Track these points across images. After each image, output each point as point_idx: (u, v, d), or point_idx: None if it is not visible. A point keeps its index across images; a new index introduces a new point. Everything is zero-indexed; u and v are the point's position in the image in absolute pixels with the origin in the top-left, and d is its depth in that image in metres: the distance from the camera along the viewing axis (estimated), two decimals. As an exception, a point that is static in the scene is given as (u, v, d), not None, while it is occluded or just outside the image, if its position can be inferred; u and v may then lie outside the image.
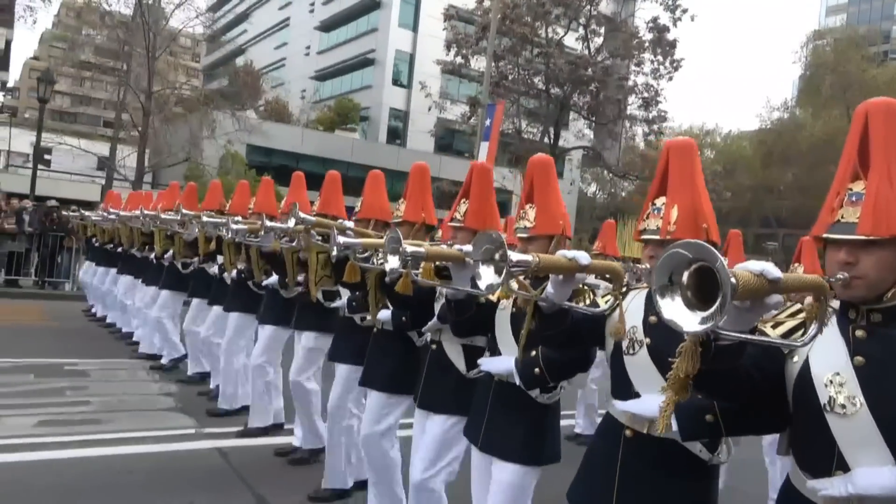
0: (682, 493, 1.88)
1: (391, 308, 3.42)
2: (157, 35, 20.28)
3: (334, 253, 3.15)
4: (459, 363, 3.07)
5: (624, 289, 2.00)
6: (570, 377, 2.46)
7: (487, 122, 19.38)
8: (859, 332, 1.52)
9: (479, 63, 26.24)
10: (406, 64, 36.15)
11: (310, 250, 3.89)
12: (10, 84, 38.29)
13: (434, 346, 3.15)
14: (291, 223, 3.71)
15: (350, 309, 3.93)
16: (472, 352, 3.07)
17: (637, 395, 1.94)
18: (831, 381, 1.51)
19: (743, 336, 1.35)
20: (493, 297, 2.64)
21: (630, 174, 29.89)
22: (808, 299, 1.73)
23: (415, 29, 35.77)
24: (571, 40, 26.48)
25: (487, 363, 2.62)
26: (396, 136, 36.48)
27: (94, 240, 9.83)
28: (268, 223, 4.02)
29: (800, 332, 1.61)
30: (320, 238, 3.75)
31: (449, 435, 3.02)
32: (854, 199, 1.51)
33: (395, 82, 36.29)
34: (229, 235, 4.67)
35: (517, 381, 2.45)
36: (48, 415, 5.36)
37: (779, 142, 34.59)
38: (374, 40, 36.47)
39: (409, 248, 2.37)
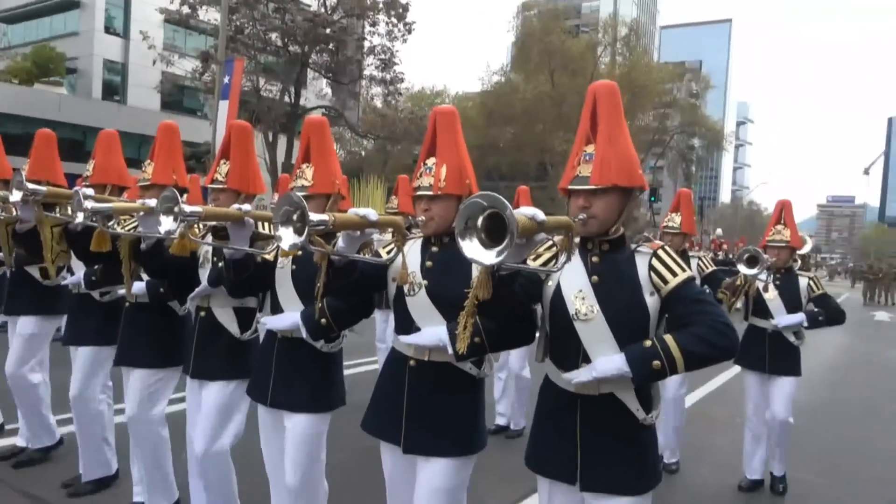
0: (457, 405, 2.22)
1: (146, 279, 3.25)
2: None
3: (79, 221, 2.88)
4: (232, 327, 3.07)
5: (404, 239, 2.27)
6: (354, 324, 2.66)
7: (226, 80, 18.24)
8: (594, 258, 2.02)
9: (208, 14, 24.44)
10: (120, 10, 31.97)
11: (42, 223, 3.46)
12: None
13: (202, 314, 3.09)
14: (16, 195, 3.26)
15: (89, 285, 3.60)
16: (245, 314, 3.10)
17: (418, 330, 2.22)
18: (576, 297, 1.98)
19: (520, 266, 1.72)
20: (270, 256, 2.71)
21: (370, 133, 30.70)
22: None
23: (127, -30, 31.78)
24: (306, -4, 26.03)
25: (272, 321, 2.68)
26: (114, 91, 32.39)
27: None
28: None
29: (553, 262, 2.06)
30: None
31: (229, 400, 3.03)
32: (587, 158, 1.98)
33: (109, 30, 31.97)
34: None
35: (304, 334, 2.55)
36: None
37: (498, 103, 38.16)
38: (75, -21, 31.61)
39: (188, 209, 2.33)
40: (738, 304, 4.25)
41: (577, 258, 2.01)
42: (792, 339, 4.24)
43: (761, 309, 4.27)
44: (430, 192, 2.22)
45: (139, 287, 3.25)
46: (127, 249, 3.05)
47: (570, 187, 2.00)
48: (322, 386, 2.71)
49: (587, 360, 1.96)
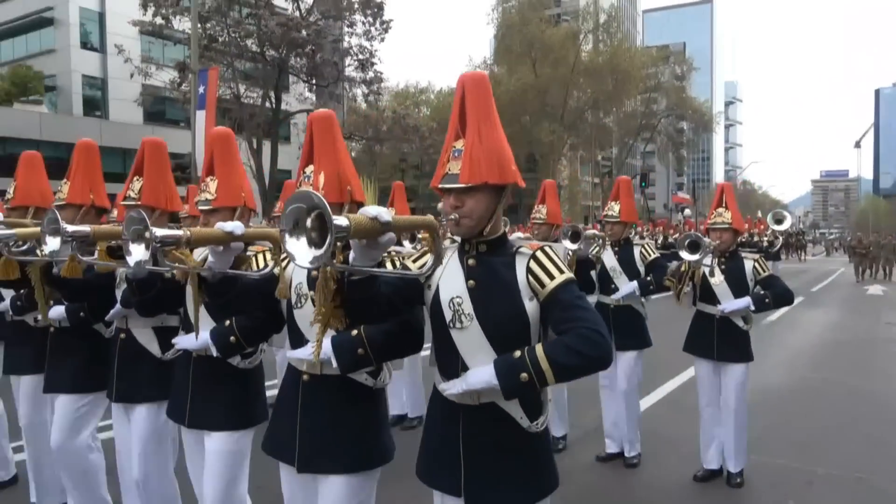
0: (355, 419, 2.15)
1: (65, 302, 3.17)
2: None
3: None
4: (153, 347, 3.02)
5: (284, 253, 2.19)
6: (266, 339, 2.59)
7: (201, 89, 18.19)
8: (471, 261, 1.91)
9: (182, 24, 24.34)
10: (95, 24, 31.75)
11: None
12: None
13: (123, 336, 3.03)
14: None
15: (16, 311, 3.53)
16: (166, 333, 3.03)
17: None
18: (453, 302, 1.88)
19: (369, 270, 1.62)
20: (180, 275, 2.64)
21: (355, 135, 30.60)
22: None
23: (99, -17, 31.55)
24: (281, 1, 25.88)
25: (183, 340, 2.63)
26: (95, 107, 32.20)
27: None
28: None
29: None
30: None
31: (159, 424, 2.97)
32: (456, 154, 1.86)
33: (85, 45, 31.74)
34: None
35: (214, 353, 2.49)
36: None
37: (483, 97, 38.06)
38: (48, -5, 31.37)
39: (71, 228, 2.25)
40: (687, 289, 4.17)
41: (456, 261, 1.92)
42: (741, 324, 4.16)
43: (708, 294, 4.18)
44: None
45: (58, 312, 3.17)
46: (37, 275, 2.98)
47: (440, 186, 1.89)
48: (240, 403, 2.66)
49: (466, 368, 1.87)
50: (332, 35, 26.30)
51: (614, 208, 4.57)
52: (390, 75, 70.08)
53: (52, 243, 2.33)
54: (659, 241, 14.57)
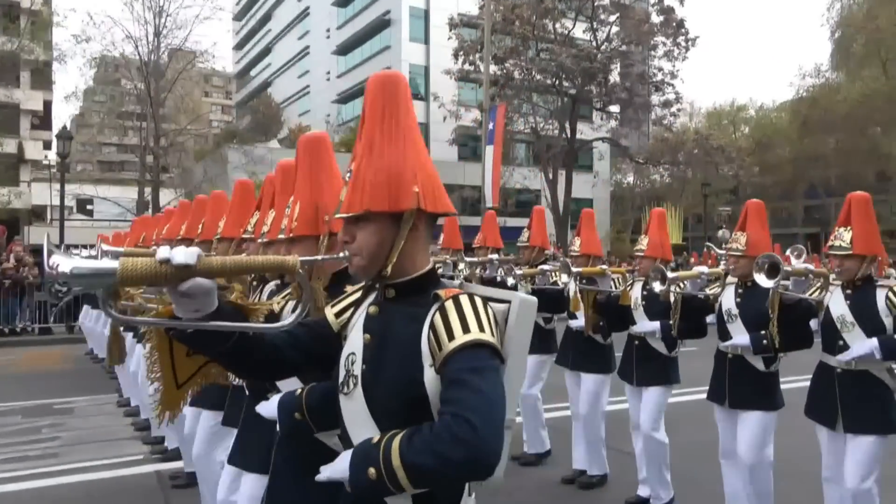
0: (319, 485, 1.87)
1: None
2: (158, 80, 21.25)
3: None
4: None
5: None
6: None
7: (490, 126, 19.34)
8: (372, 309, 1.49)
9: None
10: (421, 77, 36.35)
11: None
12: (55, 142, 40.62)
13: None
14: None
15: None
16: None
17: None
18: (347, 360, 1.48)
19: (199, 325, 1.35)
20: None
21: (655, 160, 29.20)
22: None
23: (426, 41, 35.97)
24: (580, 32, 26.20)
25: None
26: (420, 148, 36.78)
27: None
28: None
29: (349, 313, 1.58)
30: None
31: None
32: (348, 178, 1.48)
33: (415, 96, 36.49)
34: None
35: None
36: (12, 452, 5.64)
37: (815, 108, 32.99)
38: (388, 58, 36.81)
39: None
40: None
41: (363, 307, 1.53)
42: None
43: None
44: (283, 236, 1.95)
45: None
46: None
47: (336, 216, 1.52)
48: None
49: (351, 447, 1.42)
50: (628, 61, 25.67)
51: (844, 237, 3.29)
52: (702, 95, 65.61)
53: None
54: None
